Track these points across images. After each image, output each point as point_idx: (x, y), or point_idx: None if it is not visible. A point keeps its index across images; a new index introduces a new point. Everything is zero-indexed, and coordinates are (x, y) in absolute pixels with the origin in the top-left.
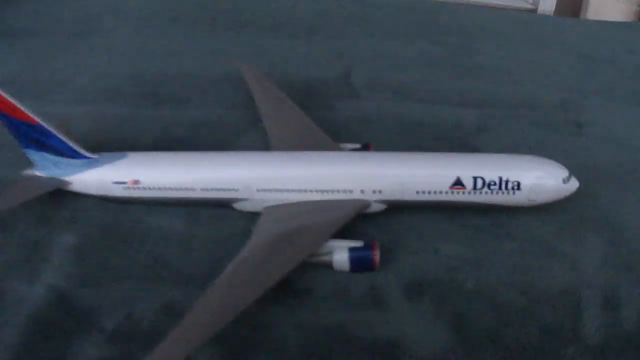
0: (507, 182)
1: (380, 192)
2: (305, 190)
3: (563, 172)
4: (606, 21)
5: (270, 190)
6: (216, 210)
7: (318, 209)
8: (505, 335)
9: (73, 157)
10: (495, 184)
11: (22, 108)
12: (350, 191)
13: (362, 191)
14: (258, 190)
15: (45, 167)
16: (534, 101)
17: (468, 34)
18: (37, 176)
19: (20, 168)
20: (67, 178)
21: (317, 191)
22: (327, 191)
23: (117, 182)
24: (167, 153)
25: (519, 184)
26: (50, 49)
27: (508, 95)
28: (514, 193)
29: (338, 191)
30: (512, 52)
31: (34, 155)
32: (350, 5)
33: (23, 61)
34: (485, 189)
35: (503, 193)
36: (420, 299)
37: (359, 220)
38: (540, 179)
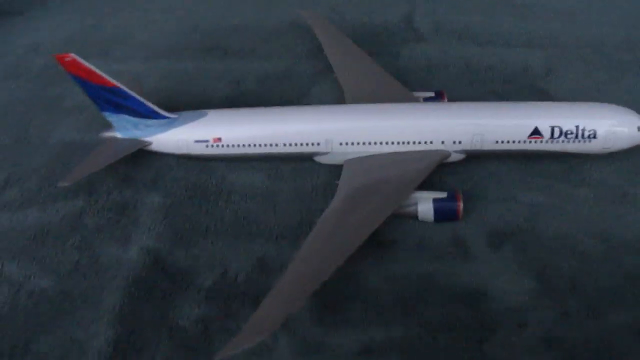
0: (583, 130)
1: (460, 142)
2: (387, 143)
3: (638, 120)
4: None
5: (351, 144)
6: (297, 164)
7: (400, 161)
8: (587, 282)
9: (152, 118)
10: (572, 133)
11: (99, 72)
12: (431, 142)
13: (442, 142)
14: (340, 144)
15: (124, 129)
16: (599, 41)
17: None
18: (117, 138)
19: (97, 130)
20: (148, 138)
21: (398, 143)
22: (408, 143)
23: (199, 141)
24: (247, 109)
25: (595, 133)
26: (107, 5)
27: (573, 35)
28: (590, 141)
29: (419, 143)
30: None
31: (112, 117)
32: None
33: (81, 20)
34: (563, 137)
35: (579, 141)
36: (502, 248)
37: (438, 169)
38: (615, 126)
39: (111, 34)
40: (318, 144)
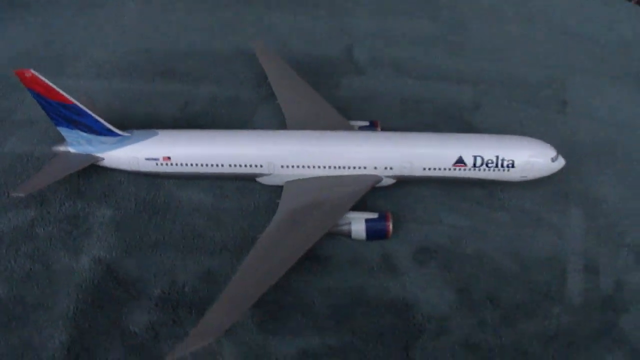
0: (503, 160)
1: (391, 168)
2: (324, 167)
3: (552, 152)
4: None
5: (292, 167)
6: (241, 183)
7: (336, 184)
8: (502, 296)
9: (105, 135)
10: (492, 162)
11: (57, 89)
12: (365, 167)
13: (375, 168)
14: (282, 167)
15: (78, 144)
16: (523, 78)
17: (460, 11)
18: (70, 152)
19: (48, 143)
20: (100, 154)
21: (334, 167)
22: (343, 167)
23: (149, 159)
24: (195, 131)
25: (513, 162)
26: (60, 22)
27: (499, 72)
28: (508, 170)
29: (354, 167)
30: (502, 29)
31: (67, 132)
32: None
33: (36, 35)
34: (484, 166)
35: (499, 170)
36: (428, 264)
37: (371, 192)
38: (531, 157)
39: (63, 50)
40: (261, 166)
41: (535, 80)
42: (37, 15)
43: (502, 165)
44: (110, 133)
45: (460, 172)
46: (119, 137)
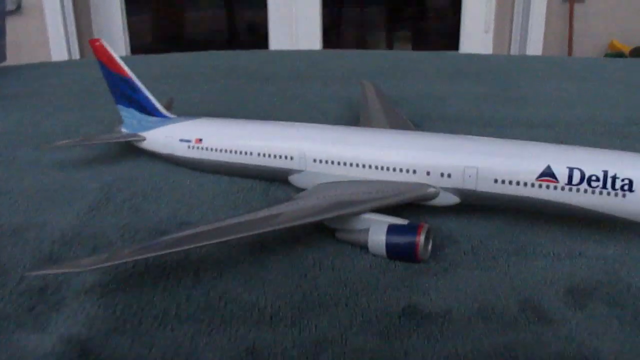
0: (614, 178)
1: (449, 176)
2: (363, 166)
3: None
4: None
5: (325, 162)
6: (289, 233)
7: (375, 190)
8: None
9: (154, 115)
10: (597, 179)
11: (119, 61)
12: (414, 172)
13: (428, 173)
14: (314, 161)
15: (130, 125)
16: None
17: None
18: (122, 131)
19: None
20: (143, 133)
21: (375, 168)
22: (386, 169)
23: (183, 140)
24: (235, 120)
25: (630, 183)
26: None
27: (572, 116)
28: (624, 196)
29: (400, 170)
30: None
31: (123, 111)
32: None
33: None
34: (584, 185)
35: (608, 195)
36: (589, 305)
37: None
38: None
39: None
40: (291, 158)
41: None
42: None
43: (612, 186)
44: (158, 113)
45: (548, 193)
46: (164, 118)
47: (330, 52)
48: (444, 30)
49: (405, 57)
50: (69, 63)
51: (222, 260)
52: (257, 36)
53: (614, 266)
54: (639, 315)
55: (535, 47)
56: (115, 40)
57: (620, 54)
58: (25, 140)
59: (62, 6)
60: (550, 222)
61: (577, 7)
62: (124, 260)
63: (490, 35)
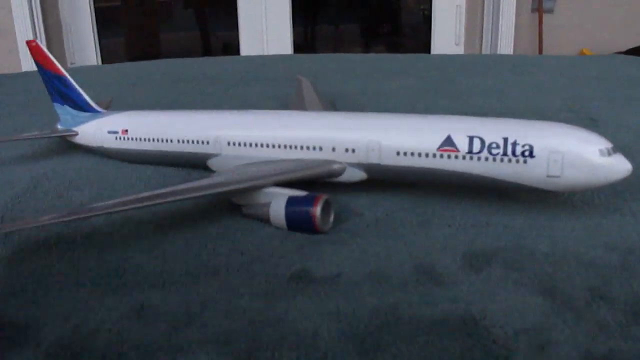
0: (514, 145)
1: (354, 151)
2: (274, 146)
3: (600, 142)
4: None
5: (239, 145)
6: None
7: (279, 166)
8: (613, 292)
9: (86, 111)
10: (497, 147)
11: (53, 60)
12: (321, 149)
13: (333, 149)
14: (228, 144)
15: (65, 122)
16: (542, 109)
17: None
18: (57, 128)
19: None
20: (75, 128)
21: (286, 147)
22: (296, 147)
23: (110, 132)
24: (160, 112)
25: (531, 150)
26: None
27: (516, 107)
28: (525, 162)
29: (307, 148)
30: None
31: (59, 109)
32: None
33: None
34: (485, 153)
35: (510, 162)
36: (487, 269)
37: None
38: (563, 143)
39: None
40: (207, 142)
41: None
42: None
43: (513, 153)
44: (90, 109)
45: (450, 163)
46: (95, 113)
47: (279, 56)
48: (417, 45)
49: (352, 59)
50: (17, 75)
51: (129, 235)
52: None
53: (520, 234)
54: (538, 278)
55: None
56: (88, 60)
57: None
58: None
59: (34, 29)
60: (463, 196)
61: (547, 18)
62: (82, 216)
63: (462, 47)
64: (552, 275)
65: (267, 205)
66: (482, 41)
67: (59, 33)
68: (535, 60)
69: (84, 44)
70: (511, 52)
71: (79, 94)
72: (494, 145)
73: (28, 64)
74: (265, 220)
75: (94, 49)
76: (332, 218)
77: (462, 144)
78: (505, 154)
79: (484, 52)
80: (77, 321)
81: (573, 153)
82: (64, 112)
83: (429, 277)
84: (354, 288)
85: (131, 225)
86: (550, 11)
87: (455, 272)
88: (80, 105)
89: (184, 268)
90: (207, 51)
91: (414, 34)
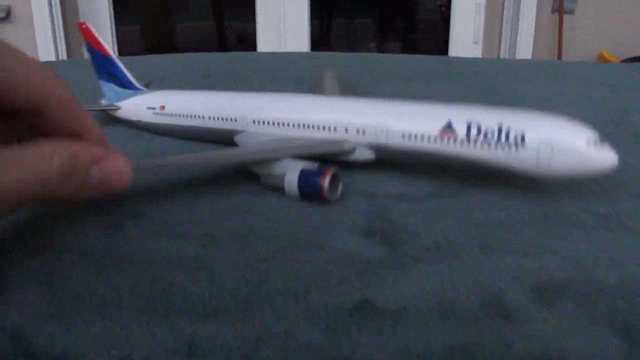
0: (508, 132)
1: (364, 132)
2: (294, 125)
3: (587, 133)
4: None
5: (263, 123)
6: (235, 226)
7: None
8: None
9: (129, 88)
10: (493, 133)
11: (102, 42)
12: (335, 129)
13: (346, 130)
14: (253, 122)
15: (109, 98)
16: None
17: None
18: (101, 102)
19: None
20: (118, 103)
21: (304, 127)
22: (313, 127)
23: (149, 107)
24: (195, 91)
25: (523, 137)
26: None
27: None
28: (517, 149)
29: (323, 128)
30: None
31: (104, 85)
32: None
33: None
34: (482, 138)
35: (503, 148)
36: (557, 304)
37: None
38: (552, 133)
39: None
40: (235, 120)
41: (598, 121)
42: None
43: (506, 140)
44: (132, 86)
45: (450, 147)
46: (136, 90)
47: (311, 54)
48: (433, 42)
49: (390, 60)
50: (53, 64)
51: (169, 250)
52: (247, 46)
53: (586, 263)
54: (612, 315)
55: (524, 57)
56: None
57: None
58: None
59: (51, 15)
60: (519, 219)
61: (567, 19)
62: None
63: (480, 46)
64: (626, 312)
65: (283, 176)
66: (501, 40)
67: (76, 21)
68: (575, 67)
69: (100, 33)
70: (530, 52)
71: (124, 73)
72: (489, 132)
73: (45, 51)
74: (280, 188)
75: (110, 38)
76: (340, 190)
77: (460, 129)
78: (499, 139)
79: (502, 51)
80: (120, 353)
81: (562, 142)
82: (109, 89)
83: (499, 312)
84: (422, 323)
85: (171, 240)
86: (572, 12)
87: (526, 307)
88: (123, 83)
89: (235, 294)
90: (222, 41)
91: (430, 30)
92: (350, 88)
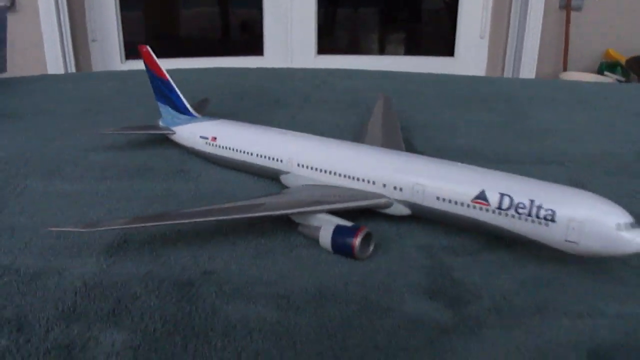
0: (539, 208)
1: (401, 190)
2: (335, 173)
3: (620, 215)
4: None
5: (307, 167)
6: (313, 293)
7: (339, 194)
8: None
9: (184, 113)
10: (524, 207)
11: (160, 66)
12: (374, 183)
13: (384, 185)
14: (298, 165)
15: (165, 120)
16: (616, 156)
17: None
18: (159, 123)
19: None
20: (174, 128)
21: (344, 176)
22: (353, 178)
23: (202, 137)
24: (245, 124)
25: (553, 215)
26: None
27: (592, 153)
28: (546, 225)
29: (363, 180)
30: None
31: (161, 108)
32: None
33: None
34: (512, 211)
35: (533, 222)
36: None
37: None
38: (582, 214)
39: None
40: (281, 160)
41: (624, 156)
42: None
43: (537, 216)
44: (187, 112)
45: (481, 214)
46: (191, 117)
47: (350, 71)
48: (438, 34)
49: (424, 79)
50: (67, 77)
51: (249, 317)
52: (251, 35)
53: (635, 326)
54: None
55: (530, 53)
56: (109, 37)
57: (616, 64)
58: (33, 167)
59: (57, 4)
60: (570, 276)
61: (574, 15)
62: (144, 225)
63: (486, 41)
64: None
65: (319, 229)
66: (507, 35)
67: (81, 9)
68: (599, 90)
69: (105, 20)
70: (537, 48)
71: (179, 98)
72: (521, 205)
73: (51, 40)
74: (314, 240)
75: (115, 25)
76: (372, 247)
77: (493, 199)
78: (529, 214)
79: (508, 46)
80: None
81: (591, 224)
82: (166, 111)
83: None
84: None
85: (250, 306)
86: (579, 9)
87: None
88: (179, 108)
89: None
90: (225, 29)
91: (435, 22)
92: (394, 112)
